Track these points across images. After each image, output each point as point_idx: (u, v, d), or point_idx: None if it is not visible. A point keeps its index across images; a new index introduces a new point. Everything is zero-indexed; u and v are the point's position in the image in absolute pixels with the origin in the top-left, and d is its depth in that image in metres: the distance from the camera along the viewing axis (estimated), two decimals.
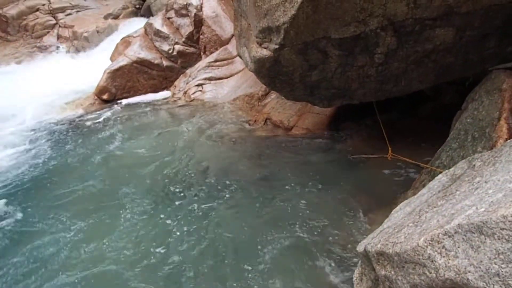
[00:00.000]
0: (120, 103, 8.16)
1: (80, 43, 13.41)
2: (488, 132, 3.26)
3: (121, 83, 8.33)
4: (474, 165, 2.12)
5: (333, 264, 3.07)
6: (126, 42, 9.16)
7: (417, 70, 3.94)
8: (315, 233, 3.42)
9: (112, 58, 9.31)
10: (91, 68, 9.90)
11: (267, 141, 5.56)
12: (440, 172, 2.79)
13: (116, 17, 14.57)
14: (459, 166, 2.32)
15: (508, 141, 2.17)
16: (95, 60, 11.03)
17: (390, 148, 4.62)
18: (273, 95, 6.55)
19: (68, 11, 15.12)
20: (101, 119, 7.18)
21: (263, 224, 3.67)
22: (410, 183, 3.98)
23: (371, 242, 2.02)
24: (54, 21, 14.63)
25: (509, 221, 1.33)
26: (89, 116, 7.42)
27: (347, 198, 3.89)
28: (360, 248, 2.17)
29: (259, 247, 3.35)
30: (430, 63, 3.84)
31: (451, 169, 2.36)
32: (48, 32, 14.40)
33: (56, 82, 9.54)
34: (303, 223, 3.59)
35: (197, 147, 5.56)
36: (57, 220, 4.00)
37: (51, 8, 14.94)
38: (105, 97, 8.26)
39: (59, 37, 14.10)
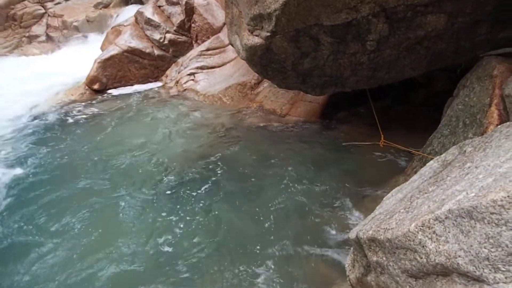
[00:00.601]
0: (111, 93, 8.07)
1: (70, 32, 13.22)
2: (479, 118, 3.27)
3: (112, 73, 8.23)
4: (465, 151, 2.13)
5: (325, 251, 3.09)
6: (116, 31, 9.05)
7: (409, 57, 3.93)
8: (308, 220, 3.44)
9: (102, 48, 9.20)
10: (82, 57, 9.76)
11: (260, 129, 5.54)
12: (432, 159, 2.80)
13: (106, 6, 14.37)
14: (450, 152, 2.32)
15: (499, 126, 2.18)
16: (86, 49, 10.89)
17: (382, 135, 4.64)
18: (266, 83, 6.52)
19: (57, 0, 14.86)
20: (91, 110, 7.10)
21: (257, 211, 3.68)
22: (402, 169, 4.00)
23: (363, 228, 2.03)
24: (43, 10, 14.37)
25: (498, 205, 1.34)
26: (79, 107, 7.33)
27: (340, 185, 3.90)
28: (352, 235, 2.18)
29: (253, 235, 3.36)
30: (422, 50, 3.83)
31: (442, 155, 2.37)
32: (36, 21, 14.15)
33: (47, 72, 9.41)
34: (295, 210, 3.60)
35: (190, 136, 5.53)
36: (47, 217, 3.91)
37: None
38: (96, 87, 8.17)
39: (48, 26, 13.87)
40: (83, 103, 7.54)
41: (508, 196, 1.32)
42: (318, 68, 4.21)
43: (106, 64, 8.18)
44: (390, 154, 4.39)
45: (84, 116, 6.84)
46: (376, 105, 5.26)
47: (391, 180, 3.80)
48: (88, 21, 13.35)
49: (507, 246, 1.30)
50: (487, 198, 1.38)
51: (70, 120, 6.69)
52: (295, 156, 4.61)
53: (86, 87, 8.22)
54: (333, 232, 3.26)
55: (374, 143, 4.64)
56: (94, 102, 7.59)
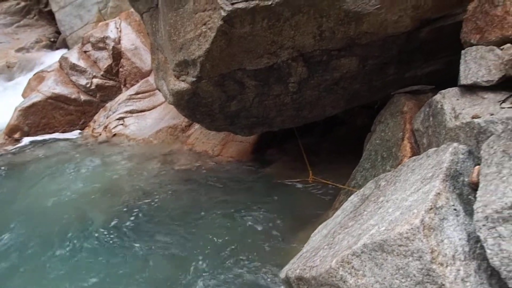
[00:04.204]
0: (35, 141, 7.63)
1: None
2: (395, 151, 3.53)
3: (34, 121, 7.82)
4: (380, 185, 2.28)
5: None
6: (39, 77, 8.69)
7: (328, 97, 4.19)
8: (240, 263, 3.42)
9: (24, 95, 8.75)
10: (1, 105, 9.18)
11: (192, 172, 5.51)
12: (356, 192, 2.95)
13: (29, 50, 13.79)
14: (368, 186, 2.48)
15: (407, 160, 2.37)
16: (7, 96, 10.26)
17: (310, 171, 4.82)
18: (197, 125, 6.55)
19: None
20: (11, 160, 6.65)
21: (186, 256, 3.62)
22: (331, 204, 4.15)
23: (291, 267, 2.07)
24: None
25: (404, 238, 1.44)
26: None
27: (271, 223, 3.96)
28: (282, 274, 2.21)
29: (183, 281, 3.28)
30: (339, 90, 4.11)
31: (361, 190, 2.51)
32: None
33: None
34: (227, 254, 3.57)
35: (118, 183, 5.34)
36: None
37: None
38: (16, 136, 7.70)
39: None
40: (1, 154, 7.05)
41: (412, 228, 1.43)
42: (245, 110, 4.34)
43: (28, 112, 7.78)
44: (319, 189, 4.56)
45: (2, 167, 6.39)
46: (304, 141, 5.49)
47: (321, 215, 3.93)
48: (8, 66, 12.68)
49: (414, 275, 1.39)
50: (395, 231, 1.48)
51: None
52: (226, 198, 4.62)
53: (6, 137, 7.72)
54: (265, 272, 3.26)
55: (304, 179, 4.79)
56: (14, 152, 7.12)
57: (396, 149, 3.55)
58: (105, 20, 10.46)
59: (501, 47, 2.92)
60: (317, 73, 3.87)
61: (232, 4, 3.18)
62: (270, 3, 3.14)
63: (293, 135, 5.48)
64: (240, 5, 3.18)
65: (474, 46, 3.10)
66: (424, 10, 3.39)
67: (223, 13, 3.24)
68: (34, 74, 9.02)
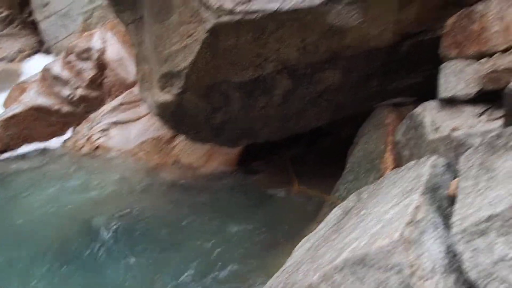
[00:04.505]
0: (15, 153, 7.49)
1: None
2: (377, 163, 3.58)
3: (16, 132, 7.69)
4: (362, 198, 2.30)
5: None
6: (21, 88, 8.56)
7: (313, 108, 4.23)
8: (221, 277, 3.40)
9: (5, 106, 8.61)
10: None
11: (177, 185, 5.46)
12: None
13: (11, 60, 13.61)
14: (351, 199, 2.50)
15: (389, 172, 2.41)
16: None
17: (296, 182, 4.84)
18: (182, 136, 6.53)
19: None
20: None
21: (167, 270, 3.58)
22: (316, 215, 4.16)
23: (274, 283, 2.07)
24: None
25: (385, 251, 1.45)
26: None
27: (255, 236, 3.95)
28: None
29: None
30: (324, 102, 4.15)
31: (344, 202, 2.53)
32: None
33: None
34: (207, 266, 3.56)
35: (100, 198, 5.26)
36: None
37: None
38: None
39: None
40: None
41: (392, 242, 1.45)
42: (230, 122, 4.35)
43: (9, 123, 7.65)
44: (304, 200, 4.57)
45: None
46: (290, 152, 5.51)
47: (305, 227, 3.93)
48: None
49: None
50: (376, 245, 1.50)
51: None
52: (210, 210, 4.59)
53: None
54: (250, 287, 3.25)
55: (290, 189, 4.81)
56: None
57: (378, 161, 3.60)
58: (90, 30, 10.39)
59: (479, 62, 3.00)
60: (301, 86, 3.91)
61: (217, 17, 3.21)
62: (254, 17, 3.18)
63: (279, 145, 5.50)
64: (225, 19, 3.22)
65: (453, 60, 3.19)
66: (405, 24, 3.47)
67: (208, 26, 3.27)
68: (16, 84, 8.89)
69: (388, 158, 3.47)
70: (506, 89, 2.30)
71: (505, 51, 2.88)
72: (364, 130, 4.06)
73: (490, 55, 2.93)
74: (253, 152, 6.07)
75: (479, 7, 3.12)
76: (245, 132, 4.56)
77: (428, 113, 3.09)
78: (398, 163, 3.42)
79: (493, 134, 1.90)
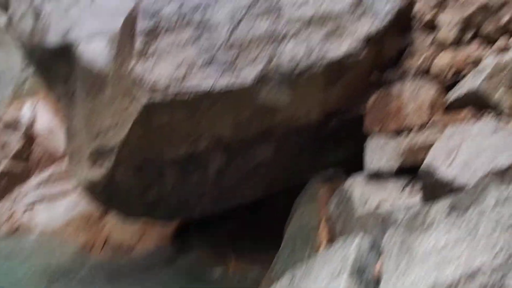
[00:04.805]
0: None
1: None
2: (313, 236, 3.60)
3: None
4: (295, 279, 2.27)
5: None
6: None
7: (248, 182, 4.26)
8: None
9: None
10: None
11: (107, 267, 5.10)
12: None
13: None
14: (285, 278, 2.45)
15: (321, 250, 2.43)
16: None
17: (233, 258, 4.71)
18: (113, 212, 6.22)
19: None
20: None
21: None
22: None
23: None
24: None
25: None
26: None
27: None
28: None
29: None
30: (258, 176, 4.21)
31: (278, 282, 2.47)
32: None
33: None
34: None
35: None
36: None
37: None
38: None
39: None
40: None
41: None
42: (165, 197, 4.24)
43: None
44: (242, 278, 4.43)
45: None
46: (228, 225, 5.41)
47: None
48: None
49: None
50: None
51: None
52: None
53: None
54: None
55: (227, 267, 4.65)
56: None
57: (313, 233, 3.62)
58: (21, 98, 9.99)
59: (398, 138, 3.25)
60: (236, 160, 3.96)
61: (150, 96, 3.24)
62: (187, 96, 3.25)
63: (217, 217, 5.39)
64: (158, 98, 3.25)
65: (376, 136, 3.42)
66: (331, 103, 3.72)
67: (141, 105, 3.27)
68: None
69: (323, 231, 3.50)
70: (421, 167, 2.48)
71: (420, 129, 3.16)
72: (299, 202, 4.12)
73: (408, 131, 3.19)
74: (191, 224, 5.89)
75: (396, 87, 3.45)
76: (180, 207, 4.45)
77: (357, 186, 3.23)
78: (332, 235, 3.47)
79: (412, 211, 2.00)
